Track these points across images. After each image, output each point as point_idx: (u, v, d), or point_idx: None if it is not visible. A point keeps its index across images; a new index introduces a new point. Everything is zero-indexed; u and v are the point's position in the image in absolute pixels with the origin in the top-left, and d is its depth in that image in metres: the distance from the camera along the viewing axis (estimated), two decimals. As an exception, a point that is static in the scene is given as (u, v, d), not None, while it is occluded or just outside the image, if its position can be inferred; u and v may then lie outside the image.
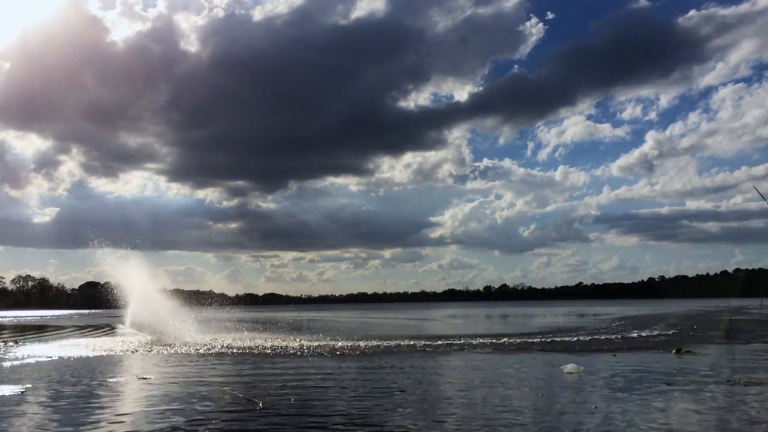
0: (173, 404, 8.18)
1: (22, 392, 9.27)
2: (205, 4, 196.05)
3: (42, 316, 72.19)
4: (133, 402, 8.43)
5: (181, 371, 12.05)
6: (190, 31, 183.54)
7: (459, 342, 18.71)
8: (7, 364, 13.77)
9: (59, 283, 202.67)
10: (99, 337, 25.25)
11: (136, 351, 17.00)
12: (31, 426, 6.95)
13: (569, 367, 11.35)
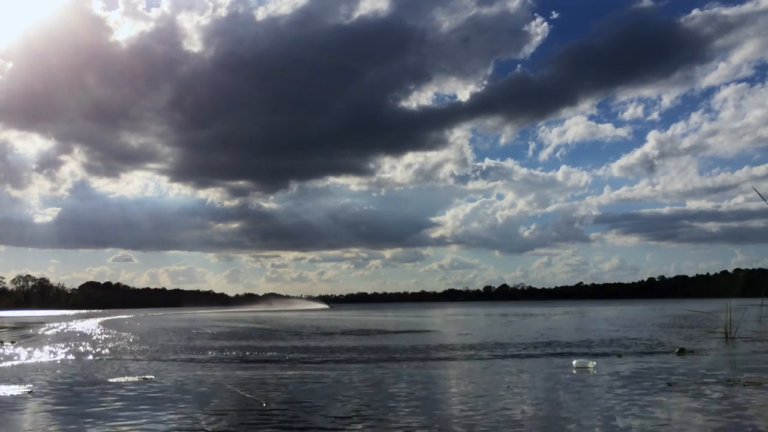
0: (175, 403, 8.19)
1: (24, 394, 9.27)
2: (209, 4, 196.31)
3: (44, 316, 72.18)
4: (135, 402, 8.42)
5: (182, 371, 12.05)
6: (193, 31, 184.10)
7: (461, 343, 18.72)
8: (6, 364, 13.78)
9: (59, 283, 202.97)
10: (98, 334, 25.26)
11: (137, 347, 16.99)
12: (31, 427, 6.96)
13: (580, 361, 11.33)
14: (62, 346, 19.77)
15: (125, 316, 67.12)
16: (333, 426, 6.75)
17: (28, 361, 14.46)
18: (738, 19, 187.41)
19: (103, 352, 17.15)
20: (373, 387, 9.55)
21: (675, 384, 9.23)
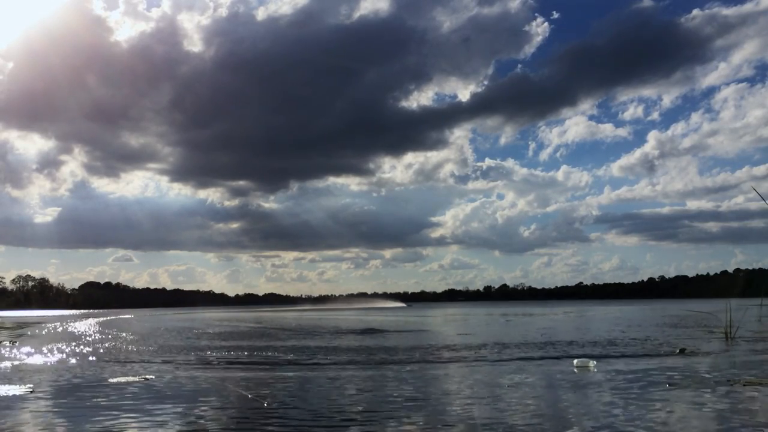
0: (176, 403, 8.19)
1: (24, 393, 9.27)
2: (209, 4, 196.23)
3: (44, 316, 72.16)
4: (136, 402, 8.42)
5: (182, 371, 12.05)
6: (194, 31, 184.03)
7: (462, 343, 18.73)
8: (6, 364, 13.77)
9: (59, 283, 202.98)
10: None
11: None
12: (31, 427, 6.96)
13: (581, 361, 11.29)
14: (62, 346, 19.76)
15: (125, 316, 67.13)
16: (334, 426, 6.75)
17: (28, 361, 14.45)
18: (738, 19, 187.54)
19: (103, 352, 17.14)
20: (374, 387, 9.55)
21: (675, 384, 9.23)
